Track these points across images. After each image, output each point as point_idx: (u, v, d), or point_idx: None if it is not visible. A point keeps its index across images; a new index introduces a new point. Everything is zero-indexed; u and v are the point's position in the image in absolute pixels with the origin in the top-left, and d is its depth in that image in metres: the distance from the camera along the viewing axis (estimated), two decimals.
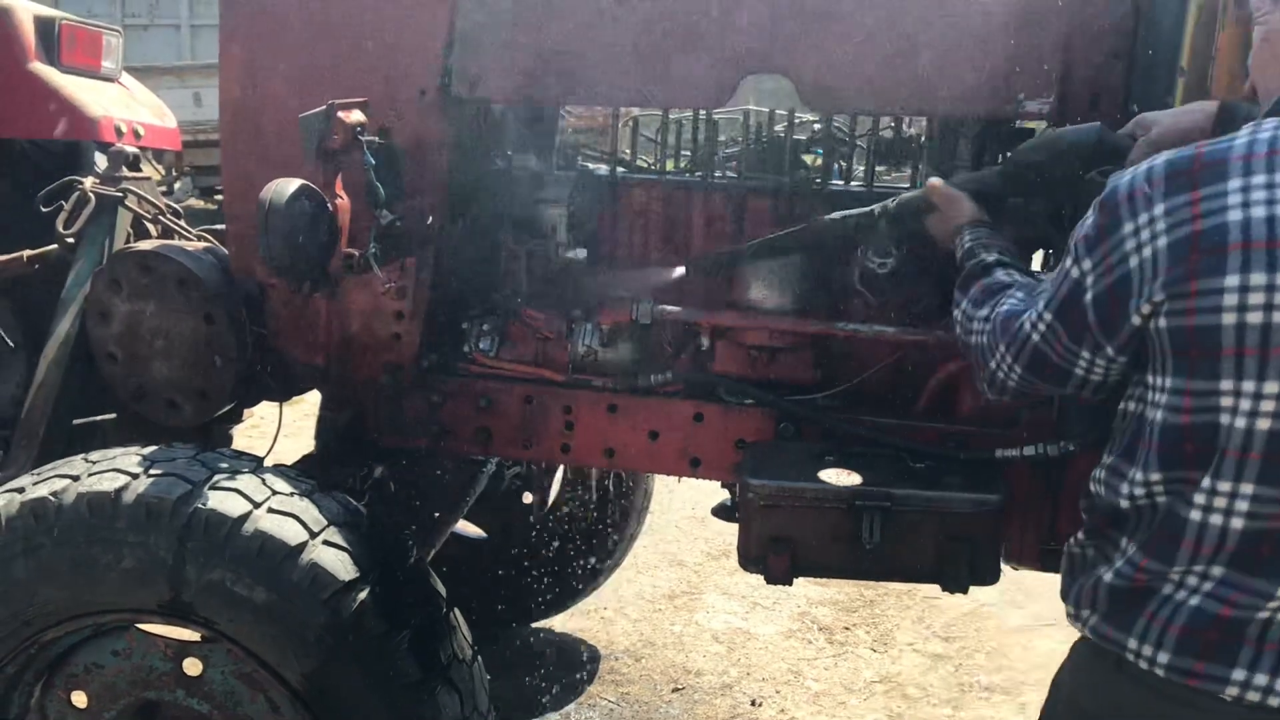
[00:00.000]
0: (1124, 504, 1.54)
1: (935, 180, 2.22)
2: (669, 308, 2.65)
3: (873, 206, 2.37)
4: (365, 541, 2.23)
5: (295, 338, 2.83)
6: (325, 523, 2.19)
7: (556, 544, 4.05)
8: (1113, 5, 2.35)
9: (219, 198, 13.26)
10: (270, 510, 2.16)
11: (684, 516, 5.45)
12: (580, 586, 4.16)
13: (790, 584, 2.41)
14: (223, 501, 2.14)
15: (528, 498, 4.16)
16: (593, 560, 4.10)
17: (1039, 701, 3.86)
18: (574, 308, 2.75)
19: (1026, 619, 4.41)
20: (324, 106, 2.30)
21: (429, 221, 2.61)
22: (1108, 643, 1.55)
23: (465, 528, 4.14)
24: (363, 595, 2.14)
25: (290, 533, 2.14)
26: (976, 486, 2.35)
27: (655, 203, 2.88)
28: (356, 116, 2.37)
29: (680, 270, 2.71)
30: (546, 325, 2.74)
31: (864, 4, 2.42)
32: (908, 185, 3.00)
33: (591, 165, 3.11)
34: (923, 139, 2.93)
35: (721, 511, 3.14)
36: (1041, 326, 1.61)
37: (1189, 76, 2.05)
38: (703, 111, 2.98)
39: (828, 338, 2.67)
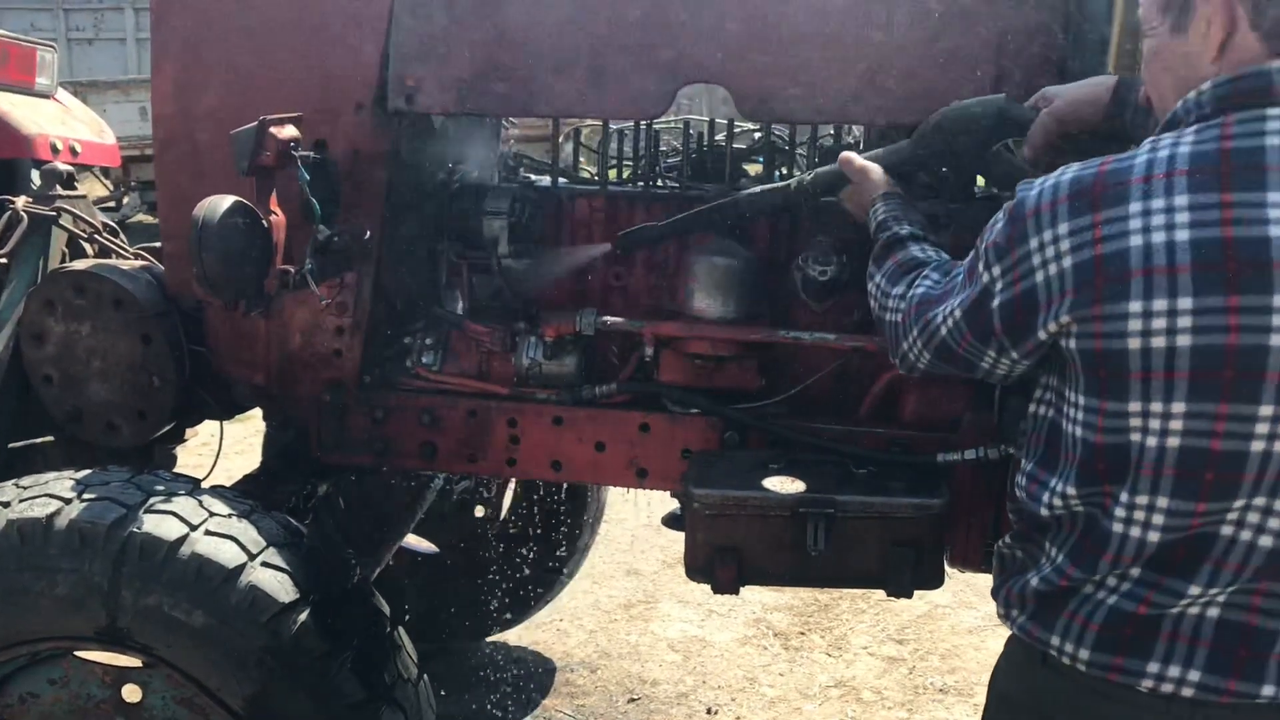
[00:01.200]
0: (1045, 513, 1.56)
1: (847, 153, 2.23)
2: (612, 319, 2.64)
3: (789, 180, 2.38)
4: (305, 562, 2.20)
5: (235, 356, 2.80)
6: (264, 544, 2.17)
7: (509, 557, 4.02)
8: (1042, 10, 2.37)
9: None
10: (207, 533, 2.13)
11: (639, 525, 5.44)
12: (534, 600, 4.14)
13: (737, 593, 2.41)
14: (158, 525, 2.10)
15: (479, 511, 4.14)
16: (546, 573, 4.07)
17: None
18: (517, 320, 2.74)
19: (979, 620, 4.44)
20: (255, 123, 2.27)
21: (367, 236, 2.58)
22: (1034, 640, 1.58)
23: (416, 542, 4.10)
24: (303, 616, 2.11)
25: (228, 555, 2.11)
26: (919, 491, 2.36)
27: (598, 213, 2.87)
28: (289, 132, 2.34)
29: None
30: (490, 338, 2.72)
31: (799, 14, 2.43)
32: None
33: (534, 176, 3.10)
34: (860, 145, 2.95)
35: (672, 521, 3.13)
36: (949, 323, 1.64)
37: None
38: (644, 121, 2.98)
39: (771, 345, 2.67)
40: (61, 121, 4.03)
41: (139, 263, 2.98)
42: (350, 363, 2.72)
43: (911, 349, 1.76)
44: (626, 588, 4.83)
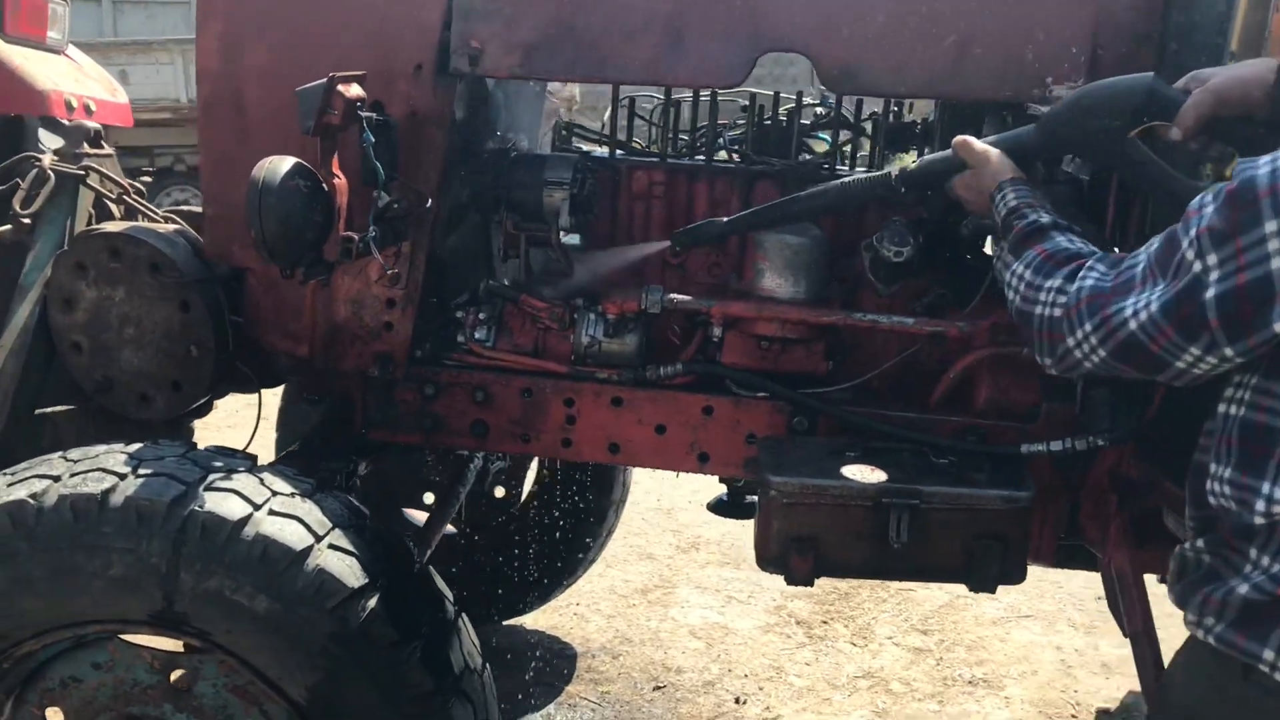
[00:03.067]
0: (1259, 520, 1.46)
1: (965, 137, 2.11)
2: (679, 296, 2.54)
3: (889, 169, 2.26)
4: (371, 545, 2.09)
5: (277, 326, 2.67)
6: (330, 525, 2.05)
7: (531, 539, 3.92)
8: None
9: (146, 179, 12.92)
10: (271, 513, 2.01)
11: (649, 509, 5.35)
12: (557, 584, 4.04)
13: (811, 584, 2.32)
14: (220, 504, 1.98)
15: (499, 492, 4.03)
16: (571, 556, 3.97)
17: (1022, 695, 3.86)
18: (576, 295, 2.63)
19: (1002, 611, 4.38)
20: (324, 79, 2.14)
21: (426, 204, 2.46)
22: (1237, 652, 1.47)
23: (416, 515, 3.99)
24: (372, 603, 2.00)
25: (294, 537, 1.99)
26: (1005, 483, 2.28)
27: (657, 186, 2.76)
28: (356, 90, 2.22)
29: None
30: (548, 314, 2.61)
31: None
32: None
33: (585, 147, 2.98)
34: (929, 121, 2.86)
35: (720, 508, 3.05)
36: (1142, 317, 1.52)
37: (1239, 59, 1.99)
38: (704, 92, 2.87)
39: (838, 329, 2.58)
40: (75, 79, 3.87)
41: (172, 227, 2.83)
42: (401, 336, 2.60)
43: (1081, 346, 1.63)
44: (642, 572, 4.74)
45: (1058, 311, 1.68)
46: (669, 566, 4.81)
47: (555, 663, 3.98)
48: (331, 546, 2.02)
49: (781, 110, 2.84)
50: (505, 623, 4.16)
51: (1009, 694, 3.84)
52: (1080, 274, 1.66)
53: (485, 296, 2.69)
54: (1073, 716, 3.74)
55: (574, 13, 2.40)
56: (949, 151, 2.15)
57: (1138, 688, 3.99)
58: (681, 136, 2.96)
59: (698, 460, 2.60)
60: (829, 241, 2.59)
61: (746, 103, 2.95)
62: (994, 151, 2.04)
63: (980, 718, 3.71)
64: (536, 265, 2.71)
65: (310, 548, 1.99)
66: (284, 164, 2.17)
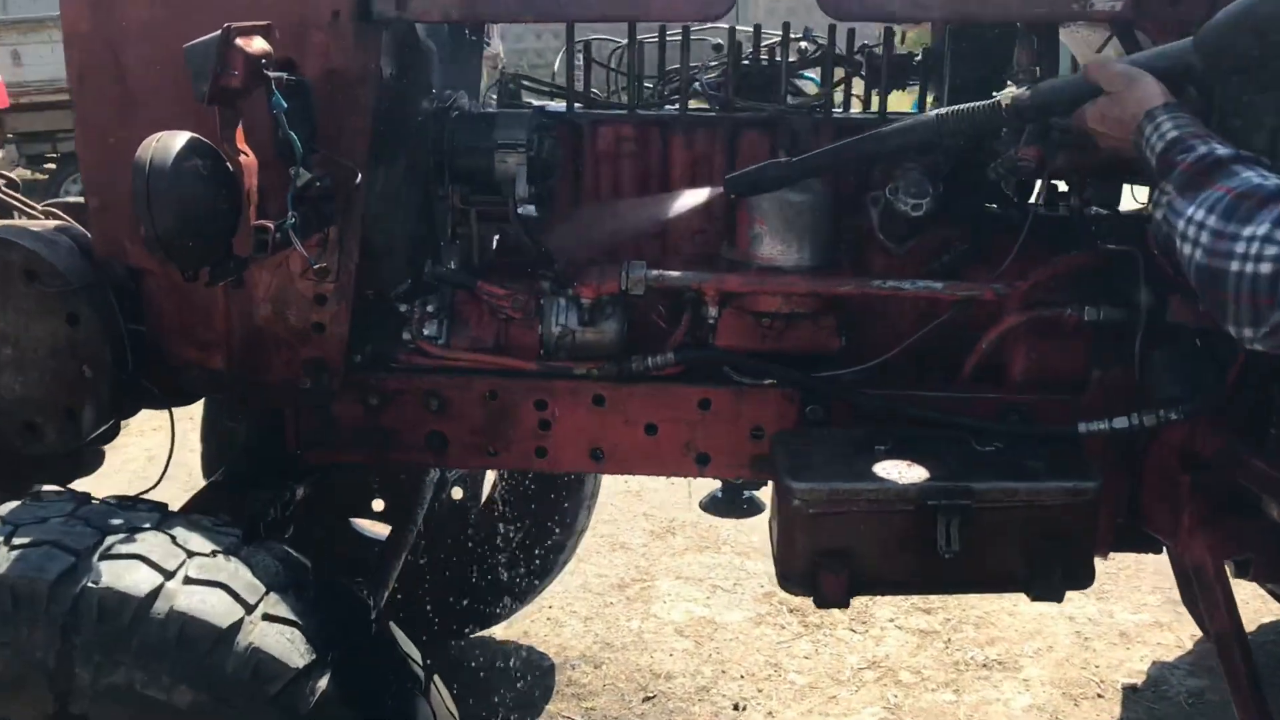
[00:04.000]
0: None
1: (1100, 60, 1.73)
2: (667, 273, 2.15)
3: (995, 98, 1.87)
4: (316, 608, 1.69)
5: (184, 335, 2.23)
6: (263, 589, 1.65)
7: (497, 545, 3.53)
8: None
9: (50, 167, 12.13)
10: (188, 580, 1.60)
11: (617, 492, 4.95)
12: (530, 589, 3.65)
13: (846, 606, 1.97)
14: (122, 575, 1.57)
15: (457, 493, 3.63)
16: (542, 559, 3.59)
17: (1041, 676, 3.55)
18: (542, 277, 2.23)
19: None
20: (218, 32, 1.71)
21: (355, 180, 2.04)
22: None
23: (370, 526, 3.58)
24: (322, 682, 1.61)
25: (218, 609, 1.59)
26: (1067, 471, 1.94)
27: (626, 144, 2.36)
28: (260, 45, 1.78)
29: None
30: (510, 302, 2.21)
31: None
32: (915, 111, 2.57)
33: (536, 102, 2.57)
34: (931, 52, 2.49)
35: (715, 507, 2.69)
36: None
37: None
38: (670, 30, 2.47)
39: (854, 299, 2.21)
40: None
41: (52, 223, 2.38)
42: (335, 338, 2.18)
43: None
44: (616, 564, 4.38)
45: (1267, 268, 1.29)
46: (645, 556, 4.44)
47: (532, 676, 3.61)
48: (267, 617, 1.62)
49: (763, 47, 2.44)
50: (471, 635, 3.78)
51: (1027, 675, 3.55)
52: None
53: (432, 284, 2.28)
54: (1099, 695, 3.46)
55: None
56: (1073, 75, 1.77)
57: (1161, 657, 3.75)
58: (647, 85, 2.55)
59: (696, 463, 2.23)
60: (832, 196, 2.21)
61: (719, 41, 2.56)
62: (1141, 74, 1.65)
63: (1001, 706, 3.41)
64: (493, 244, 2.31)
65: (240, 621, 1.59)
66: (176, 141, 1.74)
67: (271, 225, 1.82)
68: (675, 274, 2.15)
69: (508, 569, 3.56)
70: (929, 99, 2.45)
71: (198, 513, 1.97)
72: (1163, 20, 1.94)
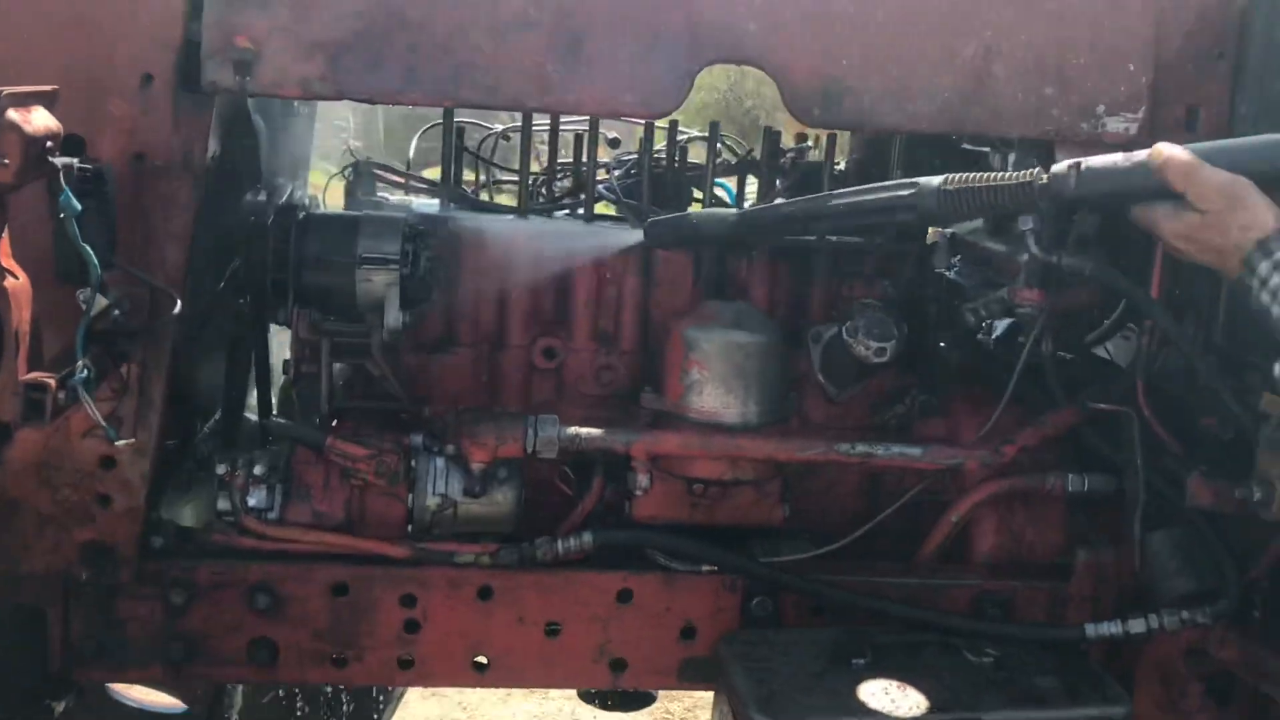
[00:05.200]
0: None
1: (1171, 150, 1.32)
2: (587, 432, 1.68)
3: (1025, 173, 1.47)
4: None
5: None
6: None
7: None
8: None
9: None
10: None
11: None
12: None
13: None
14: None
15: None
16: None
17: None
18: (412, 430, 1.71)
19: None
20: None
21: (173, 306, 1.47)
22: None
23: (158, 701, 2.89)
24: None
25: None
26: (1087, 694, 1.59)
27: (520, 254, 1.88)
28: (43, 122, 1.22)
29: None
30: (370, 464, 1.67)
31: None
32: None
33: (390, 197, 2.06)
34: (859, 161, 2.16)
35: (594, 698, 2.21)
36: None
37: None
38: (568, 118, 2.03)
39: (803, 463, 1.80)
40: None
41: None
42: (127, 515, 1.60)
43: None
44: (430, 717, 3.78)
45: None
46: (461, 706, 3.86)
47: None
48: None
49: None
50: None
51: None
52: None
53: (263, 440, 1.72)
54: None
55: (416, 4, 1.51)
56: (1135, 158, 1.37)
57: None
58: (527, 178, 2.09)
59: (610, 670, 1.76)
60: (784, 337, 1.80)
61: (615, 135, 2.15)
62: (1245, 188, 1.28)
63: None
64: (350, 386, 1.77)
65: None
66: None
67: (53, 381, 1.24)
68: (597, 433, 1.68)
69: None
70: None
71: None
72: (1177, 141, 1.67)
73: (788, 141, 2.17)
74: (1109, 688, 1.60)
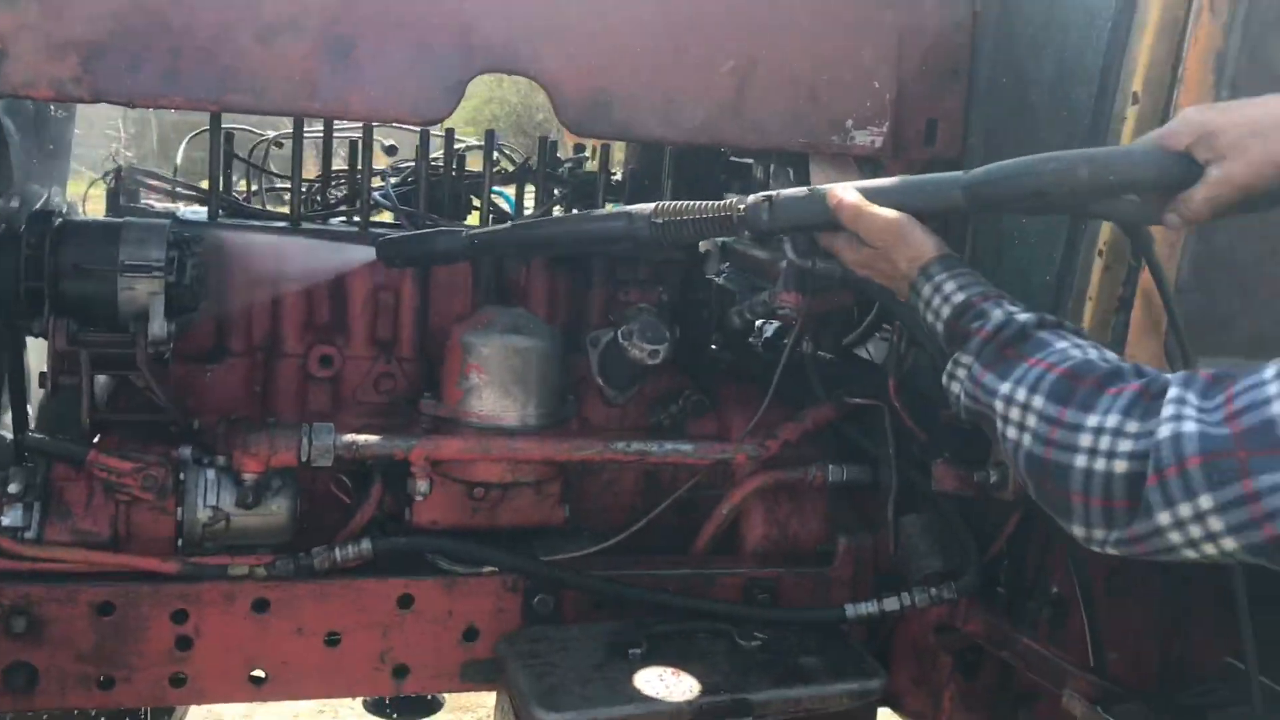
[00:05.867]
0: None
1: (843, 193, 1.38)
2: (364, 439, 1.67)
3: (727, 202, 1.48)
4: None
5: None
6: None
7: None
8: (946, 6, 1.80)
9: None
10: None
11: None
12: None
13: None
14: None
15: None
16: None
17: None
18: (181, 442, 1.67)
19: None
20: None
21: None
22: None
23: None
24: None
25: None
26: (846, 670, 1.70)
27: (289, 264, 1.86)
28: None
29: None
30: (136, 478, 1.62)
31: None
32: None
33: (155, 203, 2.00)
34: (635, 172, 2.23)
35: (381, 710, 2.20)
36: None
37: (1144, 104, 1.53)
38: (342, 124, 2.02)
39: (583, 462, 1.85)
40: None
41: None
42: None
43: (1186, 527, 0.99)
44: None
45: (1123, 466, 1.04)
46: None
47: None
48: None
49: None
50: None
51: None
52: (1158, 407, 1.04)
53: (21, 456, 1.64)
54: None
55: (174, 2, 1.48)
56: (817, 192, 1.42)
57: None
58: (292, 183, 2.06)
59: (392, 677, 1.75)
60: (563, 340, 1.85)
61: (392, 143, 2.15)
62: (906, 225, 1.37)
63: None
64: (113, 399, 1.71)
65: None
66: None
67: None
68: (374, 440, 1.68)
69: None
70: None
71: None
72: (919, 159, 1.80)
73: (568, 152, 2.22)
74: (866, 663, 1.72)
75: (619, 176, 2.32)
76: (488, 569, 1.75)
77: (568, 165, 2.22)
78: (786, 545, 1.97)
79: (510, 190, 2.24)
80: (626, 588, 1.76)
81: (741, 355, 2.04)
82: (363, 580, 1.71)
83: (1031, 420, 1.14)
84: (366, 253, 1.74)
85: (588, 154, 2.25)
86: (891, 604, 1.78)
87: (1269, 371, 0.99)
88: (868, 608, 1.79)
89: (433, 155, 2.13)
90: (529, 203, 2.32)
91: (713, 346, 2.09)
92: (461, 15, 1.59)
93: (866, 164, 1.85)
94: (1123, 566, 1.70)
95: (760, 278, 2.02)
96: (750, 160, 2.08)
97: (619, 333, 1.84)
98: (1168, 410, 1.03)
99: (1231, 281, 1.58)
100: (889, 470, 1.89)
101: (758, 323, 1.90)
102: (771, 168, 1.88)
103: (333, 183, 2.10)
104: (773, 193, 1.42)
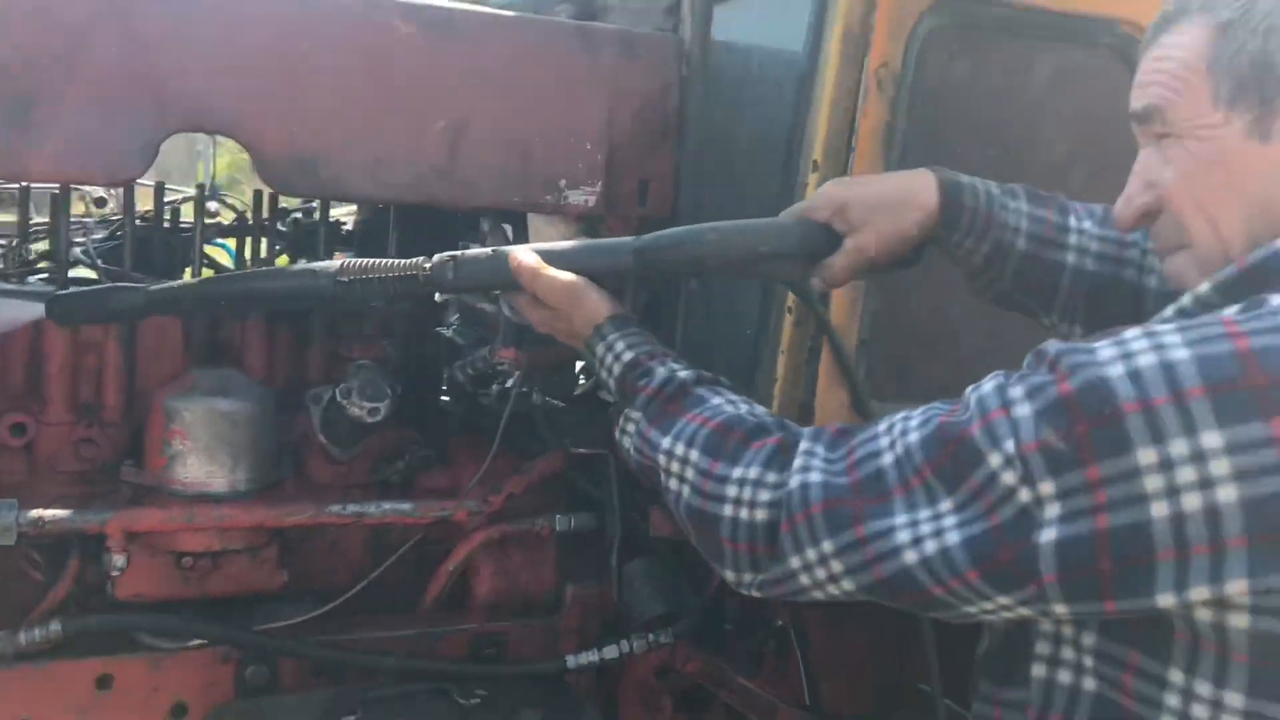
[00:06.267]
0: None
1: (522, 257, 1.40)
2: (52, 514, 1.59)
3: (415, 261, 1.47)
4: None
5: None
6: None
7: None
8: (655, 72, 1.87)
9: None
10: None
11: None
12: None
13: None
14: None
15: None
16: None
17: None
18: None
19: None
20: None
21: None
22: None
23: None
24: None
25: None
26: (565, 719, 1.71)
27: None
28: None
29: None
30: None
31: (330, 51, 1.64)
32: None
33: None
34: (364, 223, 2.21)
35: None
36: (930, 549, 1.00)
37: (824, 170, 1.62)
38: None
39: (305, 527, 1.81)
40: None
41: None
42: None
43: (813, 570, 1.06)
44: None
45: (763, 514, 1.11)
46: None
47: None
48: None
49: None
50: None
51: None
52: (792, 460, 1.11)
53: None
54: None
55: None
56: (498, 253, 1.43)
57: None
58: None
59: None
60: (274, 401, 1.81)
61: (102, 194, 2.06)
62: (580, 287, 1.41)
63: None
64: None
65: None
66: None
67: None
68: (64, 514, 1.59)
69: None
70: None
71: None
72: (631, 217, 1.86)
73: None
74: (586, 713, 1.75)
75: (350, 227, 2.30)
76: (196, 642, 1.69)
77: (294, 217, 2.18)
78: (518, 597, 1.98)
79: (233, 243, 2.17)
80: (343, 651, 1.73)
81: (470, 408, 2.05)
82: (55, 663, 1.62)
83: (690, 473, 1.20)
84: (37, 310, 1.65)
85: (315, 205, 2.21)
86: (611, 652, 1.82)
87: (882, 425, 1.08)
88: (589, 657, 1.82)
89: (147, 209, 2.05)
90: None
91: (442, 400, 2.09)
92: (155, 72, 1.54)
93: (583, 222, 1.89)
94: None
95: (489, 331, 2.04)
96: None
97: (337, 390, 1.81)
98: (798, 462, 1.11)
99: (909, 335, 1.72)
100: (612, 517, 1.93)
101: (474, 377, 1.91)
102: (488, 225, 1.90)
103: (31, 239, 1.99)
104: (458, 252, 1.44)
